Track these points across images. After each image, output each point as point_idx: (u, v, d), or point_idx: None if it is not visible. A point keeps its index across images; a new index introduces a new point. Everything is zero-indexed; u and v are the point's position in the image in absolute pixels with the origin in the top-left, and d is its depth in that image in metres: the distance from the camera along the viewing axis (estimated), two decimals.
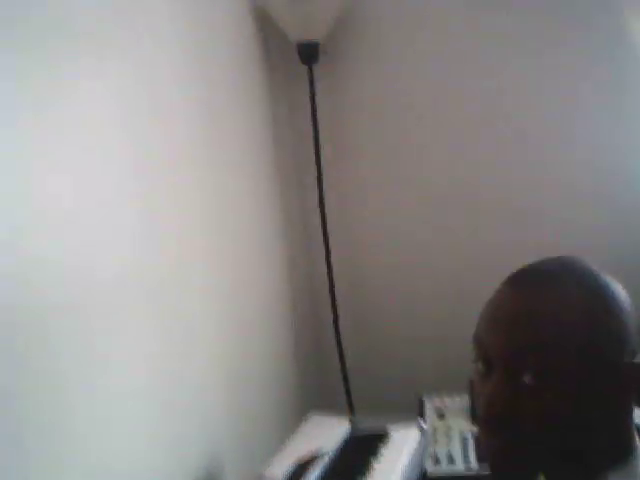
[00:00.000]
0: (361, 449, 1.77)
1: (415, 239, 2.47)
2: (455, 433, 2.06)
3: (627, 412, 0.91)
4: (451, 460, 1.98)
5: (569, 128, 2.33)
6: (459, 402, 2.21)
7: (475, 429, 1.97)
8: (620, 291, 0.92)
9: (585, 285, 0.89)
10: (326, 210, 2.39)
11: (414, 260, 2.47)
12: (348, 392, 2.43)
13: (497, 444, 0.89)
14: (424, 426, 1.84)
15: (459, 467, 1.95)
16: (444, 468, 1.96)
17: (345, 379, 2.43)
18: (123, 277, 1.44)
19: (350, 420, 1.91)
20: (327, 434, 1.85)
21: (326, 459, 1.72)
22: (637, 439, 0.92)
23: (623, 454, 0.89)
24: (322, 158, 2.37)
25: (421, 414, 2.13)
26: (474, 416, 2.06)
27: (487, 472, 0.93)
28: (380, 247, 2.50)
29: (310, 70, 2.32)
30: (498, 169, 2.38)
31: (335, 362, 2.44)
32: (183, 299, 1.68)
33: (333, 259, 2.42)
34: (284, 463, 1.69)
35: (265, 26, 2.31)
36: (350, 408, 2.42)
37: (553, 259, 0.95)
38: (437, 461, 1.99)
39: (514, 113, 2.35)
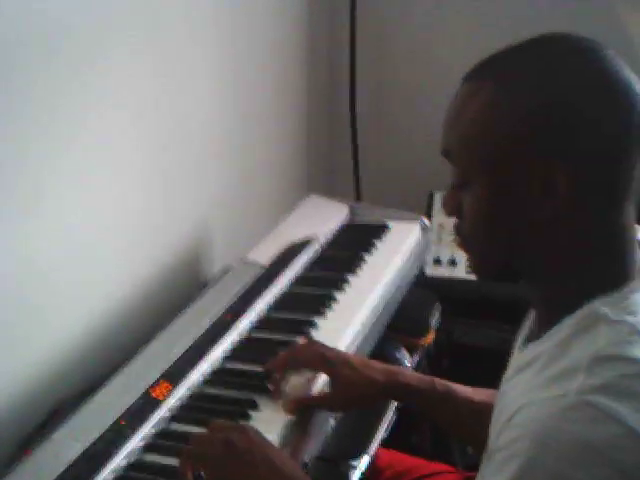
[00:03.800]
0: (356, 239, 1.63)
1: None
2: None
3: (598, 232, 0.78)
4: (452, 263, 1.86)
5: None
6: None
7: None
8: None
9: (517, 83, 0.77)
10: None
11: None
12: (357, 179, 2.27)
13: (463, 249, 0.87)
14: (427, 223, 1.68)
15: (460, 271, 1.84)
16: (444, 270, 1.85)
17: (356, 164, 2.26)
18: None
19: (350, 207, 1.76)
20: (323, 219, 1.71)
21: (317, 246, 1.59)
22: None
23: (611, 281, 0.78)
24: None
25: (429, 210, 1.98)
26: None
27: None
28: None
29: None
30: None
31: (347, 144, 2.26)
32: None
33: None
34: (272, 246, 1.56)
35: None
36: (357, 198, 2.27)
37: (533, 43, 0.80)
38: (438, 262, 1.87)
39: None
